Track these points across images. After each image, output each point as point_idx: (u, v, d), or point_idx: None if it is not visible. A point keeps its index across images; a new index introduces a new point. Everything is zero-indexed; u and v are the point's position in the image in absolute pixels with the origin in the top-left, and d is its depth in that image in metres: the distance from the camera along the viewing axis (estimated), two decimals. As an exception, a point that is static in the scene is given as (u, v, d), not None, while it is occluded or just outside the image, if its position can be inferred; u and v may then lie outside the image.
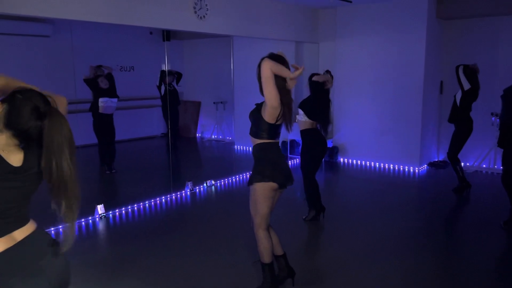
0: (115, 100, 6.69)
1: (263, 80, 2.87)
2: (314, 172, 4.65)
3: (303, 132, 4.58)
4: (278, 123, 2.94)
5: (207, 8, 5.62)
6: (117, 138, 8.73)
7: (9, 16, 5.16)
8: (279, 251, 3.20)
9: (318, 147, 4.56)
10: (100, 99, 6.66)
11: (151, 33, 9.63)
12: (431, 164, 7.22)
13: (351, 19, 7.29)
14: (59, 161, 1.59)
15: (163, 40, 9.98)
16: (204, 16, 5.61)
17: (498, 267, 3.78)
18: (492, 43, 6.80)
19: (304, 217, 4.72)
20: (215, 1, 5.72)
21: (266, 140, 2.96)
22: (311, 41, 7.70)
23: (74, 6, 4.33)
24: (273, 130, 2.96)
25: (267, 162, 2.95)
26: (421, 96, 6.78)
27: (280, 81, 2.89)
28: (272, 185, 2.93)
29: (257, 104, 3.06)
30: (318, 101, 4.56)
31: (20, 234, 1.64)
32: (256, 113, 2.99)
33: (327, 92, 4.69)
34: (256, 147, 3.01)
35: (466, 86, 5.39)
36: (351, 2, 6.75)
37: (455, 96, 5.59)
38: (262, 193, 2.93)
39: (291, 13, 7.11)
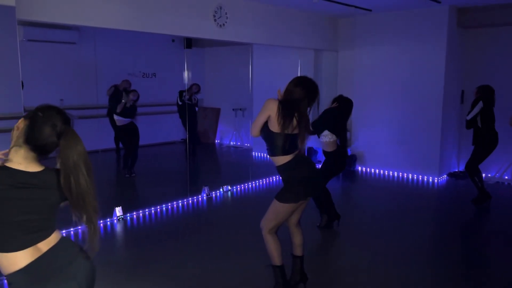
0: (128, 119, 6.82)
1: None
2: (327, 182, 4.72)
3: (329, 154, 4.59)
4: (288, 132, 2.85)
5: (227, 17, 5.73)
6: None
7: (38, 23, 5.37)
8: (299, 252, 3.23)
9: (341, 164, 4.66)
10: (115, 116, 6.85)
11: (173, 40, 9.84)
12: (451, 175, 7.10)
13: (371, 27, 7.29)
14: (76, 178, 1.68)
15: (185, 48, 10.19)
16: (223, 24, 5.71)
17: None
18: (514, 53, 6.68)
19: (318, 224, 4.72)
20: (235, 10, 5.83)
21: (287, 158, 2.91)
22: (330, 49, 7.72)
23: (99, 14, 4.50)
24: (287, 142, 2.88)
25: (297, 182, 2.93)
26: (441, 105, 6.70)
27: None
28: (305, 201, 3.03)
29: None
30: (341, 115, 4.60)
31: (44, 245, 1.70)
32: (265, 129, 2.93)
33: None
34: (280, 169, 2.98)
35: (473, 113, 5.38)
36: (370, 10, 6.75)
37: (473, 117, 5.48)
38: (289, 210, 2.97)
39: (310, 21, 7.16)
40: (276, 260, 3.05)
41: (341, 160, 4.63)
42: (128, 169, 6.91)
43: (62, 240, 1.77)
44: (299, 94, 2.90)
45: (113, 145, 8.34)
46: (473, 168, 5.49)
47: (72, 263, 1.74)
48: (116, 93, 7.31)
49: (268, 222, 3.03)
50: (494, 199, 5.65)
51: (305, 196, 2.97)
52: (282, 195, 2.96)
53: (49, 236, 1.72)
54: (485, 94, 5.39)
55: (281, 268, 3.08)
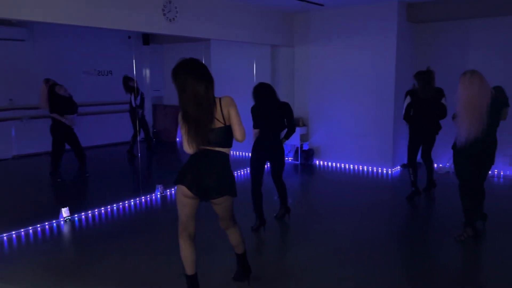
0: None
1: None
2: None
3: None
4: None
5: (177, 11, 5.64)
6: (95, 143, 8.69)
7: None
8: (239, 251, 3.19)
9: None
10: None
11: (129, 37, 9.62)
12: (404, 166, 7.27)
13: (325, 23, 7.36)
14: None
15: (143, 44, 10.00)
16: (173, 19, 5.62)
17: (464, 265, 3.81)
18: (461, 46, 6.89)
19: (275, 215, 4.76)
20: (185, 4, 5.74)
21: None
22: (287, 45, 7.74)
23: (46, 8, 4.31)
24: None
25: (182, 167, 2.89)
26: (393, 98, 6.85)
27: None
28: (183, 189, 2.83)
29: None
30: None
31: None
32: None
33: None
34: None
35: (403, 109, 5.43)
36: (322, 5, 6.81)
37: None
38: (178, 198, 2.88)
39: (266, 17, 7.15)
40: (188, 269, 2.91)
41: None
42: (56, 172, 6.65)
43: None
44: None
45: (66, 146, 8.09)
46: (408, 160, 5.57)
47: None
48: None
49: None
50: (446, 188, 5.81)
51: (180, 181, 2.80)
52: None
53: None
54: (416, 84, 5.35)
55: (193, 277, 2.93)
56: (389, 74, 6.81)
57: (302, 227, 4.63)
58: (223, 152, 2.83)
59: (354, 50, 7.11)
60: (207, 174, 2.79)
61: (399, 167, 7.24)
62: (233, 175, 2.94)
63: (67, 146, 6.88)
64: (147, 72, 10.21)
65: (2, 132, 7.69)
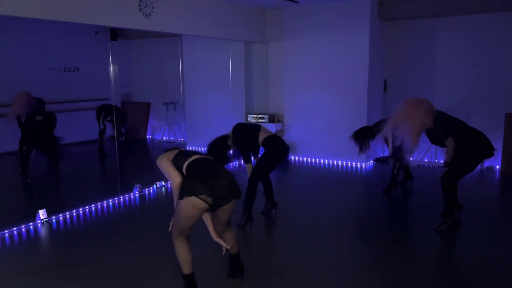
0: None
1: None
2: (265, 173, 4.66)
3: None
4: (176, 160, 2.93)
5: (153, 6, 5.52)
6: (63, 141, 8.37)
7: None
8: (234, 251, 3.21)
9: (281, 154, 4.55)
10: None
11: (96, 32, 9.31)
12: (377, 160, 7.47)
13: (297, 19, 7.42)
14: None
15: (110, 40, 9.71)
16: (150, 14, 5.50)
17: (432, 256, 3.98)
18: (431, 43, 7.16)
19: (261, 210, 4.78)
20: (161, -1, 5.63)
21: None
22: (260, 41, 7.76)
23: (13, 1, 4.10)
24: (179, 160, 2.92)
25: (188, 179, 2.85)
26: (366, 94, 7.02)
27: None
28: (195, 200, 2.76)
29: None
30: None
31: None
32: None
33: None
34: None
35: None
36: (297, 2, 6.87)
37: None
38: (183, 210, 2.83)
39: (240, 13, 7.14)
40: (186, 268, 2.91)
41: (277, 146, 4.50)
42: (25, 173, 6.38)
43: None
44: None
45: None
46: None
47: None
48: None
49: (173, 227, 2.95)
50: (416, 180, 6.05)
51: (193, 193, 2.75)
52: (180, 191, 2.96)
53: None
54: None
55: (191, 276, 2.93)
56: (362, 70, 6.98)
57: (288, 221, 4.69)
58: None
59: (328, 47, 7.23)
60: (218, 180, 2.76)
61: (372, 161, 7.44)
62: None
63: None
64: (115, 68, 9.93)
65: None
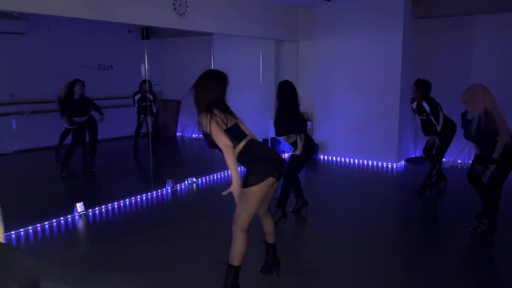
0: (86, 117, 6.53)
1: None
2: (299, 170, 4.67)
3: (294, 143, 4.50)
4: (229, 125, 2.86)
5: (187, 5, 5.62)
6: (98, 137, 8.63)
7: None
8: (271, 240, 3.24)
9: (311, 150, 4.59)
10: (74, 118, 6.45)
11: (129, 31, 9.54)
12: (409, 160, 7.37)
13: (330, 18, 7.39)
14: None
15: (142, 39, 9.92)
16: (184, 13, 5.60)
17: (469, 259, 3.90)
18: (466, 42, 6.99)
19: (291, 209, 4.78)
20: (195, -2, 5.72)
21: (240, 146, 2.88)
22: (291, 39, 7.77)
23: (50, 1, 4.26)
24: (233, 135, 2.87)
25: (257, 161, 2.87)
26: (399, 93, 6.93)
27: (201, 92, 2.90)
28: (270, 180, 2.87)
29: (203, 134, 2.94)
30: (289, 114, 4.38)
31: None
32: (209, 139, 2.88)
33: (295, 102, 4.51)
34: (238, 158, 2.90)
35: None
36: (329, 0, 6.84)
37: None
38: (257, 195, 2.85)
39: (271, 12, 7.16)
40: (237, 260, 2.90)
41: (308, 145, 4.52)
42: (65, 167, 6.56)
43: None
44: (210, 89, 2.89)
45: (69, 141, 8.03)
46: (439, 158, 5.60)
47: (10, 266, 1.58)
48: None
49: (238, 216, 2.90)
50: (450, 182, 5.93)
51: (267, 175, 2.85)
52: (246, 180, 2.89)
53: None
54: (427, 93, 5.37)
55: (238, 269, 2.94)
56: (395, 68, 6.88)
57: (318, 220, 4.69)
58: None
59: (360, 45, 7.17)
60: (276, 156, 2.97)
61: (403, 161, 7.33)
62: None
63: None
64: (147, 66, 10.13)
65: (3, 126, 7.58)
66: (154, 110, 8.06)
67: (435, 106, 5.27)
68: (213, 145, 2.89)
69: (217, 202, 5.41)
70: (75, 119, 6.39)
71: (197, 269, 3.51)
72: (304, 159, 4.50)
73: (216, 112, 2.84)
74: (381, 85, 7.05)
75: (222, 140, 2.78)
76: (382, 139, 7.15)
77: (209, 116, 2.80)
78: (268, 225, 3.20)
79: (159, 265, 3.59)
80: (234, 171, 2.81)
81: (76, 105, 6.38)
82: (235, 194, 2.84)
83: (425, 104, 5.29)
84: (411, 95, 5.53)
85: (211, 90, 2.88)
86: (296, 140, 4.40)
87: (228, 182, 6.36)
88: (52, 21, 8.16)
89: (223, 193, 2.83)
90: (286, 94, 4.35)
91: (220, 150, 2.86)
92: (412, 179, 6.46)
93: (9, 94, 7.74)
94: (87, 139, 6.85)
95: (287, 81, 4.50)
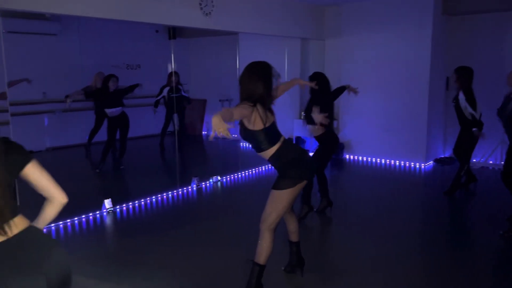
0: (119, 108, 6.67)
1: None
2: (325, 166, 4.74)
3: (320, 138, 4.58)
4: (267, 125, 2.82)
5: (213, 5, 5.66)
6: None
7: (18, 14, 5.20)
8: (295, 238, 3.25)
9: (334, 145, 4.63)
10: (106, 110, 6.61)
11: (157, 31, 9.69)
12: (438, 160, 7.20)
13: (357, 16, 7.29)
14: None
15: (169, 39, 10.06)
16: (210, 13, 5.64)
17: (499, 263, 3.78)
18: (498, 39, 6.77)
19: (315, 209, 4.76)
20: (221, -2, 5.76)
21: (275, 147, 2.86)
22: (317, 38, 7.71)
23: (80, 2, 4.38)
24: (270, 134, 2.85)
25: (291, 165, 2.87)
26: (427, 92, 6.78)
27: (247, 81, 2.83)
28: (303, 183, 2.90)
29: (240, 123, 2.89)
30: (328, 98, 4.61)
31: (11, 228, 1.59)
32: (244, 131, 2.88)
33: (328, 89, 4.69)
34: (272, 159, 2.90)
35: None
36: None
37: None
38: (289, 197, 2.87)
39: (297, 10, 7.13)
40: (262, 259, 2.91)
41: (333, 141, 4.60)
42: (101, 163, 6.72)
43: (31, 228, 1.66)
44: (253, 82, 2.81)
45: (101, 138, 8.24)
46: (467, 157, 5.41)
47: (41, 257, 1.62)
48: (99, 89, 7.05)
49: (267, 216, 2.90)
50: (480, 183, 5.76)
51: (300, 178, 2.88)
52: (279, 183, 2.89)
53: (8, 220, 1.59)
54: (467, 79, 5.20)
55: (263, 268, 2.95)
56: (424, 67, 6.74)
57: (343, 220, 4.65)
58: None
59: (388, 43, 7.04)
60: (308, 159, 3.01)
61: (431, 162, 7.17)
62: None
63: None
64: (174, 66, 10.27)
65: (36, 124, 7.84)
66: (186, 95, 8.12)
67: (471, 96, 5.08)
68: (247, 137, 2.89)
69: (241, 201, 5.44)
70: (107, 110, 6.55)
71: (221, 267, 3.54)
72: (328, 155, 4.58)
73: (258, 107, 2.77)
74: (409, 84, 6.91)
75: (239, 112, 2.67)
76: (410, 139, 7.00)
77: (247, 105, 2.72)
78: (291, 223, 3.21)
79: (184, 262, 3.64)
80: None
81: (109, 98, 6.57)
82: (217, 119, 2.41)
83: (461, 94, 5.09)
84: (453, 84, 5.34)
85: (253, 83, 2.80)
86: (322, 134, 4.47)
87: (253, 181, 6.38)
88: (82, 22, 8.42)
89: (210, 138, 2.49)
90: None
91: (253, 145, 2.90)
92: (440, 180, 6.30)
93: (42, 93, 8.00)
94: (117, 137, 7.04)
95: (319, 73, 4.71)
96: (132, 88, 6.98)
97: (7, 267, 1.54)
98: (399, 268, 3.50)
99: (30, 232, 1.66)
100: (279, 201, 2.88)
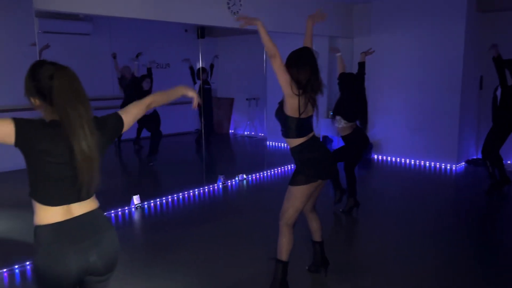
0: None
1: (274, 67, 2.76)
2: (354, 165, 4.69)
3: (346, 138, 4.54)
4: (303, 116, 2.81)
5: (241, 4, 5.68)
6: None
7: (53, 15, 5.40)
8: (317, 238, 3.23)
9: (363, 146, 4.61)
10: None
11: (186, 30, 9.82)
12: (470, 162, 6.99)
13: (387, 13, 7.17)
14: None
15: (198, 38, 10.17)
16: (237, 12, 5.66)
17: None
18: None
19: (341, 209, 4.73)
20: (249, -3, 5.77)
21: (301, 140, 2.86)
22: (345, 36, 7.62)
23: (112, 3, 4.49)
24: (302, 125, 2.84)
25: (309, 163, 2.86)
26: (459, 91, 6.59)
27: (295, 70, 2.80)
28: (316, 183, 2.89)
29: (280, 102, 2.94)
30: (352, 98, 4.50)
31: (78, 209, 1.69)
32: (279, 112, 2.90)
33: (360, 85, 4.66)
34: (294, 150, 2.91)
35: (510, 81, 5.11)
36: (386, -5, 6.64)
37: (495, 93, 5.32)
38: (304, 193, 2.87)
39: (325, 8, 7.01)
40: (284, 255, 2.92)
41: (361, 140, 4.54)
42: (151, 156, 7.00)
43: (97, 211, 1.77)
44: (305, 75, 2.79)
45: (129, 136, 8.43)
46: (490, 154, 5.31)
47: (98, 238, 1.72)
48: (130, 82, 7.32)
49: (285, 211, 2.92)
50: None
51: (316, 178, 2.85)
52: (295, 178, 2.89)
53: (84, 201, 1.71)
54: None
55: (286, 265, 2.95)
56: (456, 65, 6.55)
57: (369, 221, 4.58)
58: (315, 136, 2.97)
59: (418, 40, 6.89)
60: (330, 159, 2.99)
61: (463, 163, 6.96)
62: None
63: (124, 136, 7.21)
64: (202, 65, 10.38)
65: (69, 122, 8.08)
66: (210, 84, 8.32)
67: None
68: (280, 118, 2.89)
69: (266, 199, 5.44)
70: None
71: (246, 264, 3.55)
72: (357, 154, 4.55)
73: (303, 96, 2.79)
74: (441, 82, 6.73)
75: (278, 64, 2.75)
76: (441, 139, 6.82)
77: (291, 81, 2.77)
78: (314, 222, 3.20)
79: (208, 258, 3.68)
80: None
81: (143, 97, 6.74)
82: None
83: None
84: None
85: (295, 70, 2.81)
86: (349, 133, 4.46)
87: (278, 180, 6.38)
88: (113, 22, 8.62)
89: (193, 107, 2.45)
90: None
91: (282, 128, 2.92)
92: (472, 181, 6.12)
93: (75, 91, 8.24)
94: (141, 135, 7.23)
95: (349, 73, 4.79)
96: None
97: (66, 241, 1.65)
98: (423, 269, 3.42)
99: (96, 213, 1.76)
100: (295, 196, 2.88)
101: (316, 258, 3.29)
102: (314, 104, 2.87)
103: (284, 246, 2.92)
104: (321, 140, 7.76)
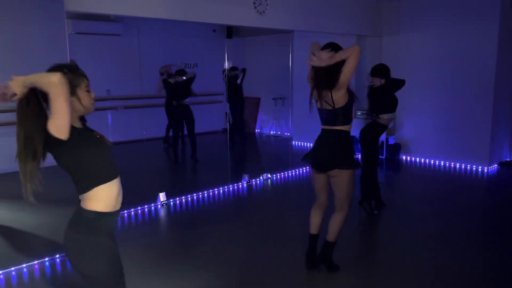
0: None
1: (354, 63, 3.13)
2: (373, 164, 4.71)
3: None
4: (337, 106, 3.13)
5: (267, 4, 5.69)
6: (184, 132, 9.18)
7: (85, 16, 5.57)
8: (315, 231, 3.36)
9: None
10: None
11: (214, 31, 9.92)
12: (503, 164, 6.75)
13: (417, 11, 7.01)
14: None
15: (226, 38, 10.26)
16: (264, 12, 5.68)
17: None
18: None
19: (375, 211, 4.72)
20: (275, -4, 5.77)
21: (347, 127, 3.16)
22: (374, 35, 7.51)
23: (143, 4, 4.58)
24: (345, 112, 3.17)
25: (350, 150, 3.14)
26: (492, 91, 6.37)
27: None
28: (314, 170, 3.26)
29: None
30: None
31: (119, 202, 2.02)
32: (329, 109, 3.19)
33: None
34: (345, 135, 3.14)
35: None
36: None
37: None
38: (351, 178, 3.14)
39: (353, 7, 6.98)
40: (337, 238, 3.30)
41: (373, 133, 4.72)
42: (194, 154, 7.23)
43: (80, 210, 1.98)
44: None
45: (157, 134, 8.60)
46: None
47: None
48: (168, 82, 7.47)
49: (347, 197, 3.19)
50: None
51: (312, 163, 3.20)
52: (345, 161, 3.12)
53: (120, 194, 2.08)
54: None
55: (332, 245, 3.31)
56: (489, 64, 6.34)
57: (395, 222, 4.50)
58: (339, 129, 3.11)
59: (449, 39, 6.70)
60: (323, 148, 3.16)
61: (496, 165, 6.73)
62: (347, 151, 3.11)
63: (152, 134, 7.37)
64: (230, 65, 10.46)
65: (100, 120, 8.31)
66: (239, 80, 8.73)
67: None
68: (329, 111, 3.14)
69: (290, 199, 5.43)
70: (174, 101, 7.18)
71: (269, 263, 3.56)
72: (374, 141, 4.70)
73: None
74: (473, 81, 6.53)
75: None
76: (472, 140, 6.62)
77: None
78: (331, 222, 3.27)
79: (232, 256, 3.71)
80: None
81: (174, 89, 7.17)
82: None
83: None
84: None
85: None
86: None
87: (303, 180, 6.35)
88: (142, 23, 8.80)
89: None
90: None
91: (328, 118, 3.16)
92: (505, 184, 5.91)
93: (106, 90, 8.47)
94: (170, 134, 7.38)
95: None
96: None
97: (107, 230, 2.04)
98: (450, 273, 3.33)
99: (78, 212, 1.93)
100: (351, 181, 3.14)
101: (322, 252, 3.35)
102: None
103: (310, 220, 3.33)
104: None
